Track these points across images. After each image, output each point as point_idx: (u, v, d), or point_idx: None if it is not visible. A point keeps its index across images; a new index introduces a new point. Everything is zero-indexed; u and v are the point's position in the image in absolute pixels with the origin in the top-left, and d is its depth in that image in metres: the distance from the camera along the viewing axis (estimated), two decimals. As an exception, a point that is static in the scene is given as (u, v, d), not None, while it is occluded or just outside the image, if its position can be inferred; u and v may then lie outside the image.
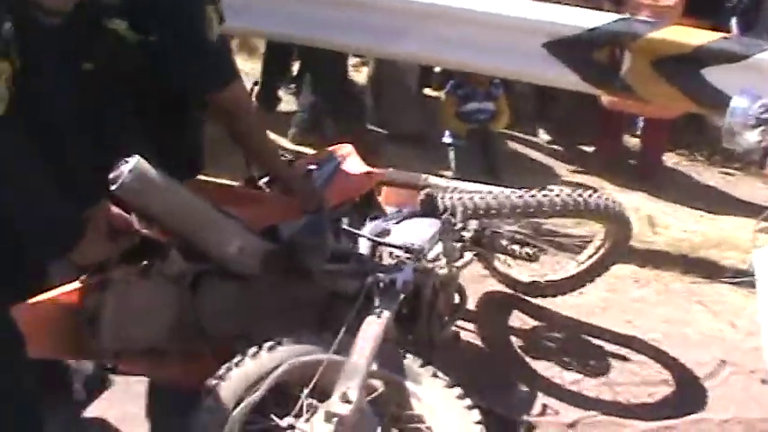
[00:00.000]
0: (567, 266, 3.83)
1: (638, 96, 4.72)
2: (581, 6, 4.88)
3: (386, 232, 3.18)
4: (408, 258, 2.95)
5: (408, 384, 2.60)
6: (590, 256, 3.73)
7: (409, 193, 3.52)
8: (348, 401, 2.35)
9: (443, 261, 3.01)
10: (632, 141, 6.29)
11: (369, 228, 3.21)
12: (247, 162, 3.30)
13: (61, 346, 2.68)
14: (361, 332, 2.57)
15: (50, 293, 2.64)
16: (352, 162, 3.51)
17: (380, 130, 5.87)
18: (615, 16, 4.73)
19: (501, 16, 4.72)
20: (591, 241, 3.73)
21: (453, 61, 5.11)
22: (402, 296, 2.77)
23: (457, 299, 3.32)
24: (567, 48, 4.65)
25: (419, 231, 3.12)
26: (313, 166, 3.50)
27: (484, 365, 3.56)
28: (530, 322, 3.89)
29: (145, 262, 2.69)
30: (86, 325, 2.62)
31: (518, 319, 3.90)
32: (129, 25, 2.68)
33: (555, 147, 6.19)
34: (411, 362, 2.65)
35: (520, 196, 3.23)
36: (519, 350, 3.69)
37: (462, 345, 3.48)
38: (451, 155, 5.55)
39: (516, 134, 6.24)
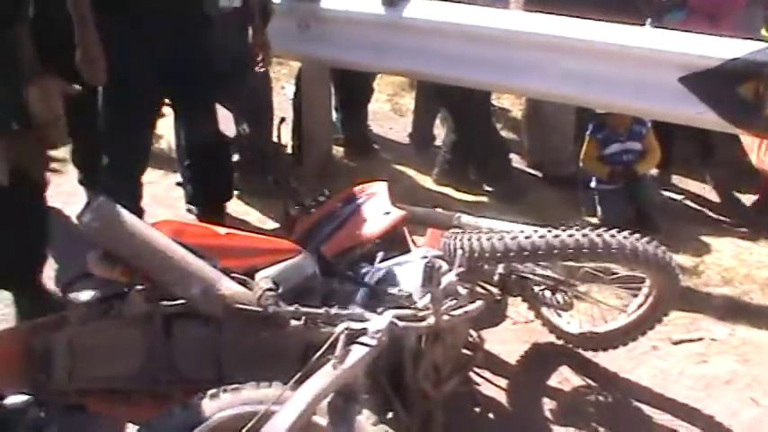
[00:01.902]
0: (617, 317, 3.44)
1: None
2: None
3: (386, 276, 2.97)
4: (391, 305, 2.73)
5: (353, 444, 2.37)
6: (639, 306, 3.34)
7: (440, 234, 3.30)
8: (254, 459, 2.17)
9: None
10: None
11: (371, 271, 3.02)
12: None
13: (18, 382, 2.66)
14: (306, 384, 2.37)
15: (8, 328, 2.67)
16: (376, 201, 3.37)
17: (533, 170, 5.73)
18: (760, 44, 4.19)
19: (631, 48, 4.36)
20: (639, 289, 3.32)
21: (579, 98, 4.74)
22: (374, 346, 2.53)
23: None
24: (705, 81, 4.20)
25: (418, 275, 2.89)
26: (338, 204, 3.40)
27: (495, 428, 3.27)
28: (573, 381, 3.53)
29: (103, 304, 2.66)
30: (39, 363, 2.60)
31: (562, 377, 3.55)
32: None
33: (713, 193, 5.59)
34: (364, 419, 2.42)
35: (541, 236, 2.89)
36: (548, 414, 3.35)
37: (478, 403, 3.21)
38: (596, 200, 5.14)
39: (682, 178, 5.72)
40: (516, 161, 5.69)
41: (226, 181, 4.57)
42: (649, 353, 3.70)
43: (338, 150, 5.89)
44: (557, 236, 2.87)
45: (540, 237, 2.87)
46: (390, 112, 6.99)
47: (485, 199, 5.31)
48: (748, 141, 5.08)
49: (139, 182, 4.17)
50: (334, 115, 6.00)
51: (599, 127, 5.10)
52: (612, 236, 2.91)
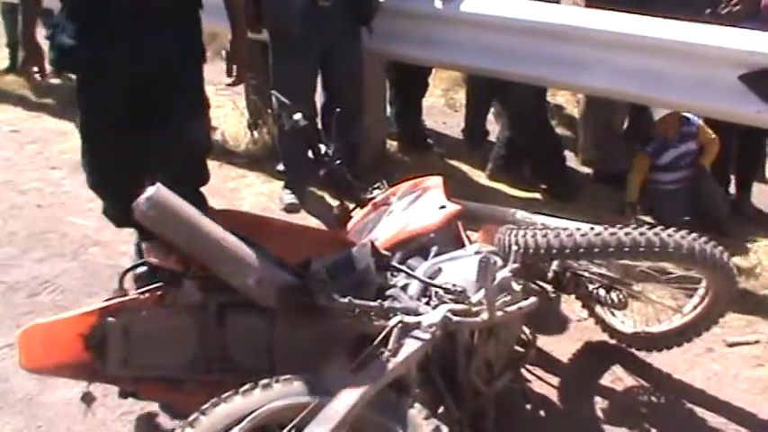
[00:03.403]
0: (672, 317, 3.39)
1: None
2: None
3: (440, 270, 2.96)
4: (446, 300, 2.72)
5: (404, 437, 2.36)
6: (695, 307, 3.29)
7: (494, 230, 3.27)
8: (305, 449, 2.17)
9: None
10: None
11: (424, 265, 3.01)
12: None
13: (75, 368, 2.69)
14: (358, 377, 2.37)
15: (66, 314, 2.70)
16: (431, 195, 3.35)
17: (587, 168, 5.71)
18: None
19: (690, 44, 4.30)
20: (695, 289, 3.27)
21: (636, 95, 4.67)
22: (427, 340, 2.52)
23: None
24: (765, 79, 4.10)
25: (473, 271, 2.86)
26: (393, 198, 3.39)
27: (546, 426, 3.23)
28: (626, 381, 3.48)
29: (159, 291, 2.68)
30: (95, 349, 2.63)
31: (614, 377, 3.51)
32: None
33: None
34: (415, 413, 2.41)
35: (597, 234, 2.85)
36: (600, 413, 3.30)
37: (530, 400, 3.19)
38: (653, 198, 5.08)
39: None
40: (570, 159, 5.64)
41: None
42: (704, 355, 3.65)
43: (392, 144, 5.89)
44: (613, 234, 2.83)
45: (596, 234, 2.83)
46: (444, 107, 6.98)
47: (538, 196, 5.28)
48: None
49: None
50: (389, 110, 6.00)
51: (648, 140, 5.00)
52: (670, 235, 2.86)
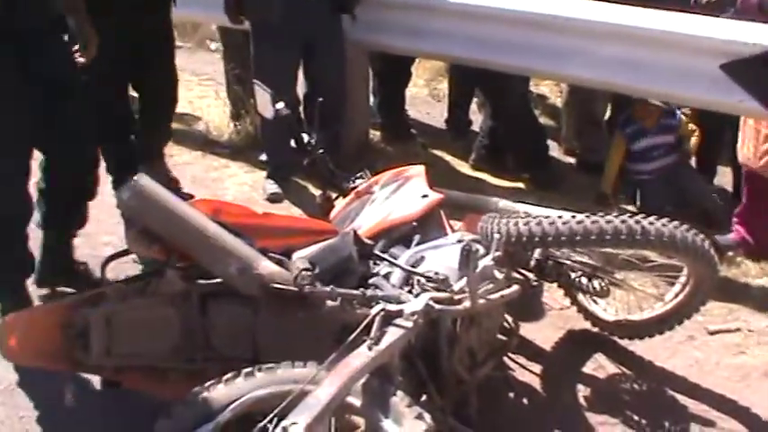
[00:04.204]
0: (654, 305, 3.40)
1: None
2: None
3: (422, 259, 2.96)
4: (428, 288, 2.73)
5: (387, 424, 2.37)
6: (676, 295, 3.30)
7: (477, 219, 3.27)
8: (286, 437, 2.17)
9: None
10: None
11: (407, 254, 3.01)
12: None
13: (56, 358, 2.68)
14: (340, 365, 2.38)
15: (46, 305, 2.70)
16: (414, 184, 3.36)
17: (570, 158, 5.74)
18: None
19: (672, 34, 4.31)
20: (677, 277, 3.29)
21: (618, 84, 4.69)
22: (409, 328, 2.52)
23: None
24: (746, 69, 4.11)
25: (455, 259, 2.87)
26: (376, 187, 3.39)
27: (530, 414, 3.24)
28: (608, 369, 3.49)
29: (142, 281, 2.69)
30: (77, 339, 2.63)
31: (597, 365, 3.52)
32: None
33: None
34: (398, 400, 2.41)
35: (579, 222, 2.86)
36: (582, 400, 3.31)
37: (512, 388, 3.20)
38: (635, 187, 5.11)
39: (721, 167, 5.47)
40: (553, 148, 5.65)
41: None
42: (685, 342, 3.66)
43: (375, 134, 5.89)
44: (595, 222, 2.83)
45: (578, 222, 2.84)
46: (428, 97, 6.98)
47: (521, 185, 5.29)
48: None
49: None
50: (372, 99, 5.99)
51: (627, 121, 5.03)
52: (651, 223, 2.86)
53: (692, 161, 5.20)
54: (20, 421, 3.15)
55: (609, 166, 5.07)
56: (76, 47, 3.73)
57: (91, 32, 3.74)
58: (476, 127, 5.98)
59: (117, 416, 3.02)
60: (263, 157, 5.24)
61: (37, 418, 3.15)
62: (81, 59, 3.73)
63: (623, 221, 2.84)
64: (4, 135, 3.36)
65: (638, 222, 2.85)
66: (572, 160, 5.71)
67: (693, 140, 5.04)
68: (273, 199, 4.92)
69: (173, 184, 4.72)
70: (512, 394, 3.27)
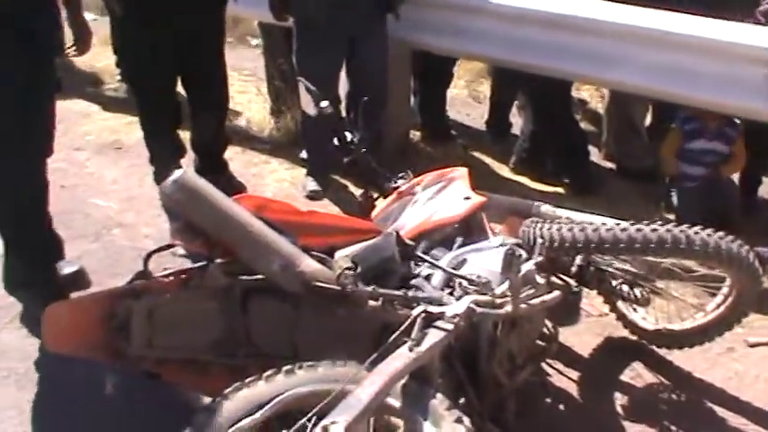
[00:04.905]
0: (694, 316, 3.38)
1: None
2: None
3: (464, 261, 2.96)
4: (470, 291, 2.72)
5: (426, 427, 2.36)
6: (718, 306, 3.27)
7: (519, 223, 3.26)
8: (326, 436, 2.16)
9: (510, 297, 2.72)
10: None
11: (449, 256, 3.01)
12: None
13: (98, 349, 2.70)
14: (381, 365, 2.37)
15: (89, 295, 2.72)
16: (456, 186, 3.35)
17: (609, 163, 5.68)
18: None
19: (721, 42, 4.26)
20: (719, 288, 3.26)
21: (662, 91, 4.63)
22: (450, 330, 2.51)
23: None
24: None
25: (497, 263, 2.86)
26: (418, 188, 3.39)
27: (566, 420, 3.23)
28: (646, 378, 3.47)
29: (185, 274, 2.70)
30: (118, 330, 2.64)
31: (635, 373, 3.50)
32: None
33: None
34: (437, 403, 2.41)
35: (623, 229, 2.84)
36: (619, 409, 3.30)
37: (550, 394, 3.18)
38: (674, 197, 4.98)
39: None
40: (593, 153, 5.61)
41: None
42: (725, 354, 3.63)
43: (415, 135, 5.88)
44: (639, 230, 2.81)
45: (622, 230, 2.82)
46: (468, 99, 6.95)
47: (561, 190, 5.26)
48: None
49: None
50: (412, 100, 5.99)
51: (689, 118, 4.87)
52: (696, 233, 2.83)
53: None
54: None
55: (666, 156, 4.98)
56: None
57: (85, 26, 3.80)
58: (515, 130, 5.95)
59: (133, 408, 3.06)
60: (304, 154, 5.25)
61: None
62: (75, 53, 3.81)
63: (668, 230, 2.81)
64: None
65: (682, 232, 2.82)
66: (612, 166, 5.66)
67: (739, 162, 4.93)
68: (313, 196, 4.93)
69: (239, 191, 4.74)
70: (549, 400, 3.26)
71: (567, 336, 3.43)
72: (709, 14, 4.34)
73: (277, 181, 5.25)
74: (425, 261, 2.92)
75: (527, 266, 2.82)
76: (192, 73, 4.63)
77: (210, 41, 4.65)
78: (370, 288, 2.63)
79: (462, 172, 3.45)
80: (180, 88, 4.76)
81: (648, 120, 5.80)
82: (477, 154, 5.75)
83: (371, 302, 2.66)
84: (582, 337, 3.62)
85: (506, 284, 2.74)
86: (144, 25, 4.33)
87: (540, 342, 3.12)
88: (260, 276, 2.71)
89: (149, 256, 2.77)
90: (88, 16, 3.94)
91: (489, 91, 6.39)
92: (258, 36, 6.89)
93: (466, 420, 2.38)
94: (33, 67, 3.47)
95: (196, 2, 4.43)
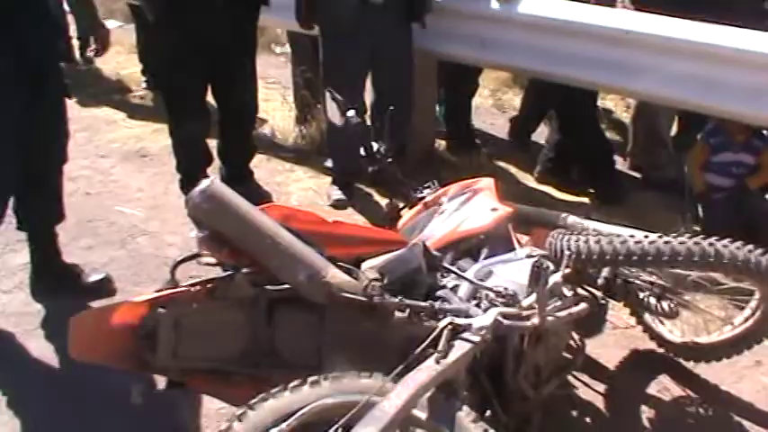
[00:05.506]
0: (722, 329, 3.35)
1: None
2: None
3: (490, 273, 2.94)
4: (497, 303, 2.71)
5: (453, 439, 2.35)
6: (746, 319, 3.25)
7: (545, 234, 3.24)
8: (353, 448, 2.16)
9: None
10: None
11: (475, 267, 3.00)
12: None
13: (123, 358, 2.70)
14: (408, 377, 2.36)
15: (115, 304, 2.72)
16: (483, 196, 3.34)
17: (635, 173, 5.66)
18: None
19: (746, 52, 4.24)
20: (747, 301, 3.23)
21: (690, 101, 4.62)
22: (477, 343, 2.50)
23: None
24: None
25: (524, 274, 2.85)
26: (444, 198, 3.38)
27: (591, 434, 3.19)
28: (673, 391, 3.44)
29: (210, 284, 2.70)
30: (144, 340, 2.64)
31: (661, 386, 3.47)
32: None
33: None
34: (464, 415, 2.39)
35: (651, 242, 2.82)
36: (646, 422, 3.27)
37: (576, 407, 3.16)
38: (700, 209, 4.95)
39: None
40: (618, 163, 5.59)
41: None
42: (753, 368, 3.59)
43: (440, 144, 5.88)
44: (667, 242, 2.79)
45: (651, 242, 2.79)
46: (492, 108, 6.95)
47: (586, 199, 5.24)
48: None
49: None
50: (437, 109, 5.99)
51: (715, 131, 4.87)
52: (725, 245, 2.81)
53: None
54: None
55: (692, 174, 4.94)
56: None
57: (101, 26, 3.85)
58: (537, 138, 5.94)
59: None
60: (329, 163, 5.26)
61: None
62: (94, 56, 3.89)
63: (696, 243, 2.79)
64: None
65: (711, 245, 2.79)
66: (637, 175, 5.63)
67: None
68: (338, 205, 4.93)
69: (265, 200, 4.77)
70: (575, 413, 3.24)
71: (593, 348, 3.41)
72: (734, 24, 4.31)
73: (302, 189, 5.25)
74: (452, 272, 2.90)
75: (554, 278, 2.81)
76: (222, 80, 4.65)
77: (241, 48, 4.67)
78: (396, 299, 2.61)
79: (489, 182, 3.43)
80: (209, 97, 4.79)
81: (674, 130, 5.76)
82: (501, 163, 5.74)
83: (398, 314, 2.65)
84: (608, 350, 3.60)
85: (533, 296, 2.72)
86: (174, 30, 4.36)
87: (566, 354, 3.10)
88: (286, 286, 2.70)
89: (176, 265, 2.77)
90: (113, 23, 4.01)
91: (514, 100, 6.39)
92: (283, 44, 6.92)
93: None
94: (34, 77, 3.49)
95: (228, 9, 4.44)
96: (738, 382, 3.52)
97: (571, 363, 3.10)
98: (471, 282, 2.83)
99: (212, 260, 2.71)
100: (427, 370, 2.38)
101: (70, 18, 7.36)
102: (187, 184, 4.63)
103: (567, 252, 2.86)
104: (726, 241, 2.83)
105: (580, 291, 3.03)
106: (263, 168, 5.36)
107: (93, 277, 3.96)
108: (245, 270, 2.68)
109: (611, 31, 4.63)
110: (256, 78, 4.86)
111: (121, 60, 7.59)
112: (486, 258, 3.08)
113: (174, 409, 3.11)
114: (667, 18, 4.49)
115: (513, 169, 5.67)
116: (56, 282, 3.92)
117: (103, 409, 3.22)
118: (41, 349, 3.57)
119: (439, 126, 5.96)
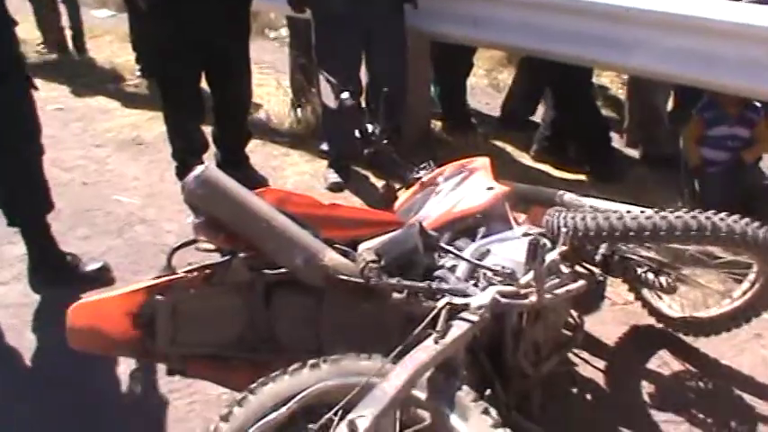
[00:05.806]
0: (721, 303, 3.35)
1: None
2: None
3: (488, 252, 2.94)
4: (494, 281, 2.70)
5: (453, 419, 2.35)
6: (744, 293, 3.24)
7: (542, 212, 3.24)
8: (353, 430, 2.15)
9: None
10: None
11: (472, 246, 2.99)
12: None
13: (123, 346, 2.70)
14: (407, 358, 2.36)
15: (113, 292, 2.71)
16: (479, 176, 3.33)
17: (631, 150, 5.65)
18: None
19: (743, 25, 4.21)
20: (746, 274, 3.23)
21: (685, 76, 4.59)
22: (475, 322, 2.50)
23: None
24: None
25: (521, 253, 2.84)
26: (440, 178, 3.38)
27: (593, 410, 3.20)
28: (673, 366, 3.44)
29: (208, 270, 2.69)
30: (144, 327, 2.64)
31: (661, 362, 3.47)
32: None
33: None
34: (463, 395, 2.39)
35: (648, 217, 2.81)
36: (646, 397, 3.27)
37: (576, 384, 3.16)
38: (696, 183, 4.93)
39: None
40: (614, 140, 5.59)
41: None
42: (752, 341, 3.60)
43: (435, 124, 5.87)
44: (664, 217, 2.78)
45: (647, 218, 2.79)
46: (488, 88, 6.94)
47: (583, 177, 5.24)
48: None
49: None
50: (432, 89, 5.97)
51: (708, 105, 4.85)
52: (722, 219, 2.81)
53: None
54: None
55: (687, 149, 4.94)
56: None
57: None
58: (533, 117, 5.93)
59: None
60: (324, 146, 5.25)
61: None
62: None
63: (693, 217, 2.78)
64: None
65: (708, 218, 2.79)
66: (635, 152, 5.62)
67: (763, 146, 4.90)
68: (334, 188, 4.93)
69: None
70: (575, 390, 3.24)
71: (592, 325, 3.40)
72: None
73: (298, 173, 5.25)
74: (449, 252, 2.89)
75: (551, 256, 2.80)
76: (216, 67, 4.64)
77: (235, 36, 4.65)
78: (393, 280, 2.60)
79: (484, 162, 3.43)
80: (203, 83, 4.77)
81: (670, 105, 5.75)
82: (497, 142, 5.74)
83: (395, 295, 2.63)
84: (607, 326, 3.60)
85: (531, 274, 2.70)
86: (168, 19, 4.34)
87: (565, 332, 3.10)
88: (283, 270, 2.69)
89: (173, 252, 2.76)
90: (106, 12, 3.95)
91: (509, 79, 6.37)
92: (276, 29, 6.90)
93: (492, 411, 2.35)
94: None
95: None
96: (738, 355, 3.52)
97: (570, 340, 3.10)
98: (469, 261, 2.82)
99: (209, 246, 2.71)
100: (426, 350, 2.37)
101: (62, 9, 7.43)
102: (183, 171, 4.63)
103: (563, 229, 2.86)
104: (723, 215, 2.83)
105: (578, 268, 3.03)
106: (258, 153, 5.36)
107: (92, 266, 3.96)
108: (241, 255, 2.69)
109: (605, 7, 4.60)
110: (250, 65, 4.85)
111: (115, 49, 7.59)
112: (483, 237, 3.07)
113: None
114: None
115: (509, 148, 5.67)
116: (53, 272, 3.91)
117: (103, 399, 3.22)
118: (40, 340, 3.57)
119: (434, 106, 5.94)
